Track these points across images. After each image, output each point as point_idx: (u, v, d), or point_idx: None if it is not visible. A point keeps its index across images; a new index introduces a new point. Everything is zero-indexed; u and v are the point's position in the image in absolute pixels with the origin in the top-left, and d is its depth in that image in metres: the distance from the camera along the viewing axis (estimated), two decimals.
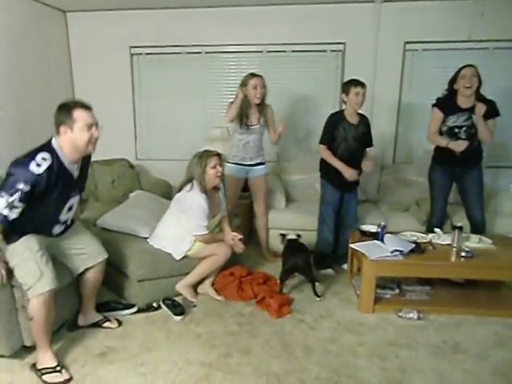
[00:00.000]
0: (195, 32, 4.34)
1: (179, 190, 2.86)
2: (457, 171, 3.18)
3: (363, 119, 3.24)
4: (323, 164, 3.36)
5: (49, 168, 1.98)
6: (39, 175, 1.94)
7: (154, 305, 2.77)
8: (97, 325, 2.54)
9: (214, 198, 2.92)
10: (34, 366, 2.15)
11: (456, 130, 3.08)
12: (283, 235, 3.21)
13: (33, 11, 3.93)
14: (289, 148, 4.48)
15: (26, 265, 2.04)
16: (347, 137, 3.18)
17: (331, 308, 2.79)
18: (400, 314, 2.66)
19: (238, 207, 3.83)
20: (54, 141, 2.06)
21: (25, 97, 3.82)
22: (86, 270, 2.42)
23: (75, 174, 2.19)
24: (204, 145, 4.02)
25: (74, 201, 2.27)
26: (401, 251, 2.69)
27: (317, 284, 2.96)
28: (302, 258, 2.88)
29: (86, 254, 2.40)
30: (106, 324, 2.55)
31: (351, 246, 2.94)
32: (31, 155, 1.97)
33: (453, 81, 3.10)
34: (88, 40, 4.50)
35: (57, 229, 2.28)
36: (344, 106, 3.22)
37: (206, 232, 2.80)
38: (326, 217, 3.37)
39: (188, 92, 4.53)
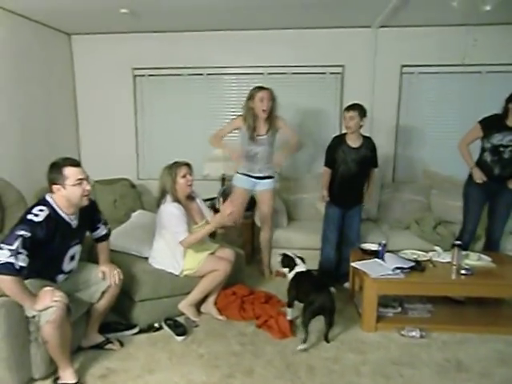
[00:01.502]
0: (197, 54, 4.45)
1: (157, 207, 2.88)
2: (492, 187, 3.20)
3: (367, 142, 3.32)
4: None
5: (47, 217, 2.08)
6: (39, 223, 2.04)
7: (156, 325, 2.76)
8: (99, 346, 2.52)
9: (191, 207, 2.93)
10: (56, 380, 2.17)
11: (501, 149, 3.11)
12: (286, 256, 2.90)
13: (38, 33, 4.02)
14: (289, 167, 4.54)
15: None
16: (346, 159, 3.25)
17: (334, 327, 2.77)
18: (402, 333, 2.66)
19: (241, 226, 3.85)
20: (47, 197, 2.18)
21: (29, 118, 3.88)
22: (102, 293, 2.43)
23: (73, 223, 2.27)
24: (205, 165, 4.09)
25: (75, 250, 2.35)
26: (402, 269, 2.71)
27: None
28: (330, 298, 2.54)
29: (97, 281, 2.42)
30: (108, 346, 2.53)
31: (352, 264, 2.96)
32: (27, 210, 2.10)
33: (510, 99, 3.08)
34: (92, 62, 4.59)
35: (60, 278, 2.33)
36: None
37: (186, 235, 2.74)
38: (329, 234, 3.42)
39: (190, 113, 4.60)
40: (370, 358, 2.44)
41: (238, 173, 3.56)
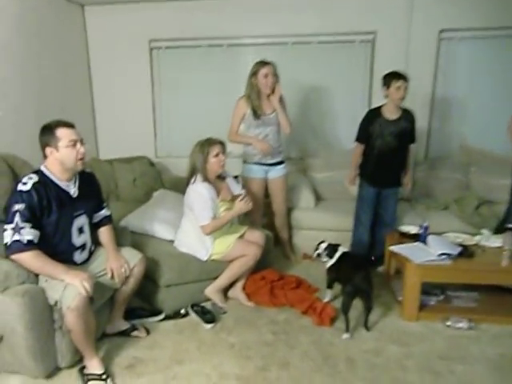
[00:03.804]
0: (217, 24, 4.16)
1: (186, 186, 2.72)
2: None
3: (407, 114, 3.06)
4: (361, 161, 3.21)
5: (36, 183, 1.97)
6: (27, 191, 1.94)
7: (182, 311, 2.63)
8: (124, 333, 2.40)
9: (220, 187, 2.77)
10: (82, 369, 2.07)
11: None
12: (328, 246, 2.71)
13: (50, 5, 3.79)
14: (314, 144, 4.31)
15: (50, 283, 1.97)
16: (383, 133, 3.00)
17: (371, 315, 2.58)
18: (448, 323, 2.47)
19: (264, 206, 3.66)
20: (41, 166, 2.09)
21: (43, 93, 3.69)
22: (125, 278, 2.29)
23: (72, 191, 2.14)
24: (225, 140, 3.87)
25: (82, 222, 2.19)
26: (449, 255, 2.49)
27: None
28: (366, 278, 2.42)
29: None
30: (135, 333, 2.41)
31: (392, 248, 2.75)
32: (18, 180, 2.03)
33: None
34: (106, 34, 4.34)
35: (77, 256, 2.19)
36: (385, 100, 3.04)
37: (208, 222, 2.58)
38: (362, 215, 3.21)
39: (209, 86, 4.36)
40: (414, 351, 2.26)
41: (247, 162, 3.30)
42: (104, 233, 2.35)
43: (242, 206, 2.64)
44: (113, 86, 4.47)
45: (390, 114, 3.02)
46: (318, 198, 3.92)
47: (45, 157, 2.07)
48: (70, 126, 2.06)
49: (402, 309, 2.59)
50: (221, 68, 4.31)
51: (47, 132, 2.02)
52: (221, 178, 2.80)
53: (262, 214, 3.51)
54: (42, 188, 1.98)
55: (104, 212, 2.38)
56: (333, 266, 2.68)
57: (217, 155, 2.63)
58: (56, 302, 1.92)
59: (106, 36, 4.35)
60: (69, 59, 4.13)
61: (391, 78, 2.93)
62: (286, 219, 3.57)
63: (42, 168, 2.07)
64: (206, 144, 2.64)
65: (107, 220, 2.38)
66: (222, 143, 2.69)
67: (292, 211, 3.67)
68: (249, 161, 3.29)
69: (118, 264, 2.24)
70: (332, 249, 2.69)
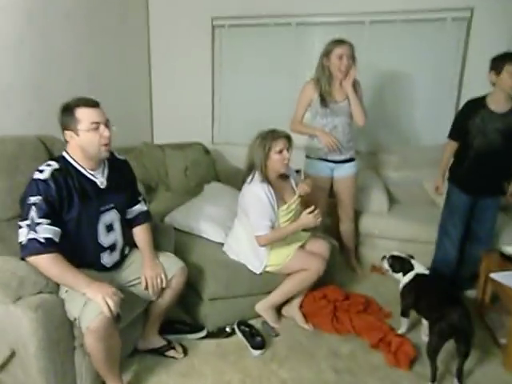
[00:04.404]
0: (285, 0, 3.71)
1: (242, 183, 2.31)
2: None
3: None
4: (453, 162, 2.63)
5: (56, 171, 1.68)
6: (44, 181, 1.64)
7: (227, 330, 2.25)
8: (158, 351, 2.06)
9: (282, 187, 2.34)
10: None
11: None
12: (396, 258, 2.29)
13: None
14: (389, 137, 3.75)
15: (71, 294, 1.64)
16: (486, 129, 2.40)
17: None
18: None
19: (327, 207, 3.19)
20: (64, 151, 1.80)
21: (98, 74, 3.43)
22: (163, 289, 1.94)
23: (99, 181, 1.81)
24: (290, 131, 3.44)
25: (110, 218, 1.85)
26: None
27: None
28: (466, 314, 1.86)
29: None
30: (170, 352, 2.06)
31: (493, 276, 2.16)
32: (37, 167, 1.72)
33: None
34: (168, 11, 4.05)
35: (106, 258, 1.84)
36: (492, 89, 2.42)
37: (267, 232, 2.16)
38: (450, 227, 2.63)
39: (275, 69, 3.93)
40: None
41: (310, 157, 2.85)
42: (140, 233, 2.00)
43: (310, 220, 2.17)
44: (172, 66, 4.19)
45: (497, 105, 2.39)
46: (392, 201, 3.38)
47: (66, 141, 1.75)
48: (92, 105, 1.72)
49: (507, 356, 2.01)
50: (288, 49, 3.87)
51: (66, 113, 1.70)
52: (283, 176, 2.36)
53: (325, 214, 3.04)
54: (61, 177, 1.67)
55: (139, 207, 2.02)
56: (408, 288, 2.17)
57: (280, 152, 2.19)
58: (75, 319, 1.60)
59: (167, 13, 4.07)
60: (128, 37, 3.88)
61: (504, 60, 2.29)
62: (354, 225, 3.07)
63: (64, 154, 1.76)
64: (269, 137, 2.20)
65: (143, 217, 2.03)
66: (288, 137, 2.23)
67: (360, 216, 3.18)
68: (312, 155, 2.84)
69: (153, 273, 1.87)
70: (401, 263, 2.24)
